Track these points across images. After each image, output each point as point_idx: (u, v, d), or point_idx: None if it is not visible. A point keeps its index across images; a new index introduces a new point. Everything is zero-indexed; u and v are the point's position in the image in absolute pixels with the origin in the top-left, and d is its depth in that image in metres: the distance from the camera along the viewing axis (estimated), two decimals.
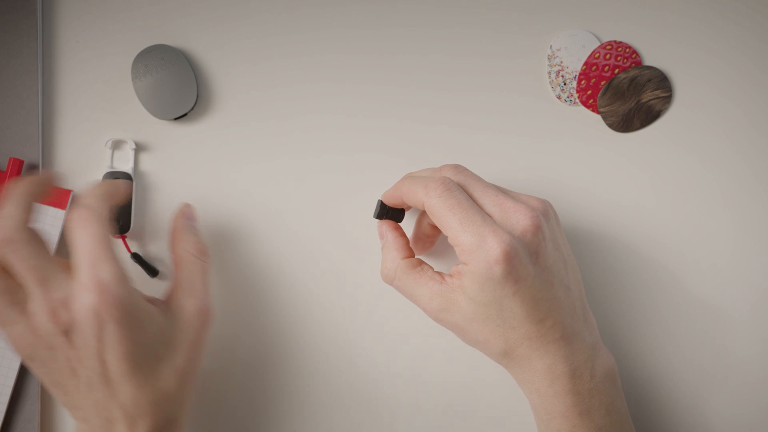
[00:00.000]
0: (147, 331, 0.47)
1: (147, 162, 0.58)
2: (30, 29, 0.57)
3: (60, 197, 0.56)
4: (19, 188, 0.47)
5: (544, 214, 0.49)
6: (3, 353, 0.56)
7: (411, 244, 0.54)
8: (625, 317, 0.58)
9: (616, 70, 0.58)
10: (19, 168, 0.56)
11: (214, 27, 0.59)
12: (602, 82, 0.58)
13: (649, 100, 0.58)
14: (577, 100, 0.58)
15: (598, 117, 0.59)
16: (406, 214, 0.55)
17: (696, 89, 0.59)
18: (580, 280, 0.51)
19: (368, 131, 0.58)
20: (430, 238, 0.54)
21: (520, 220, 0.47)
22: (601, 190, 0.58)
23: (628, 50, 0.58)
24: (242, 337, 0.57)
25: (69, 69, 0.58)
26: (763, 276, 0.58)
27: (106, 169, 0.57)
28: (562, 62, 0.58)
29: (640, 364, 0.58)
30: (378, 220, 0.54)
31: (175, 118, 0.58)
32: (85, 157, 0.58)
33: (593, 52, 0.58)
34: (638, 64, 0.58)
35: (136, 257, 0.57)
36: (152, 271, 0.57)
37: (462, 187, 0.49)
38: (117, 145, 0.58)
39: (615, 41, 0.58)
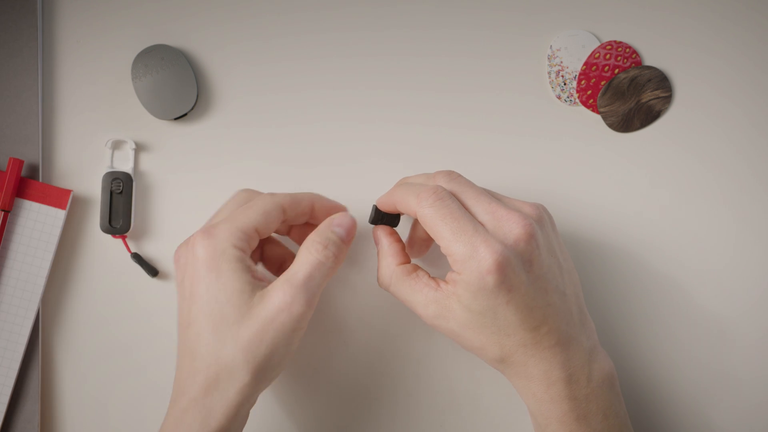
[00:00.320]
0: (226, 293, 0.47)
1: (147, 162, 0.58)
2: (30, 29, 0.57)
3: (60, 197, 0.56)
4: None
5: (538, 220, 0.48)
6: (3, 353, 0.56)
7: (407, 249, 0.54)
8: (625, 318, 0.58)
9: (616, 70, 0.58)
10: (19, 168, 0.56)
11: (215, 27, 0.58)
12: (602, 82, 0.58)
13: (649, 100, 0.58)
14: (577, 100, 0.58)
15: (598, 117, 0.59)
16: (402, 218, 0.55)
17: (696, 89, 0.59)
18: (578, 284, 0.51)
19: (368, 131, 0.58)
20: (425, 243, 0.54)
21: (512, 228, 0.47)
22: (601, 190, 0.58)
23: (628, 50, 0.58)
24: None
25: (69, 69, 0.58)
26: (764, 276, 0.58)
27: (106, 169, 0.57)
28: (562, 62, 0.58)
29: (641, 365, 0.58)
30: (373, 226, 0.53)
31: (175, 118, 0.58)
32: (85, 157, 0.58)
33: (593, 52, 0.58)
34: (638, 64, 0.58)
35: (136, 257, 0.57)
36: (152, 271, 0.57)
37: (455, 195, 0.48)
38: (117, 145, 0.58)
39: (615, 41, 0.58)
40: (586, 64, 0.58)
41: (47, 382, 0.57)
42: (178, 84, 0.57)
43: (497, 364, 0.49)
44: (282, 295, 0.47)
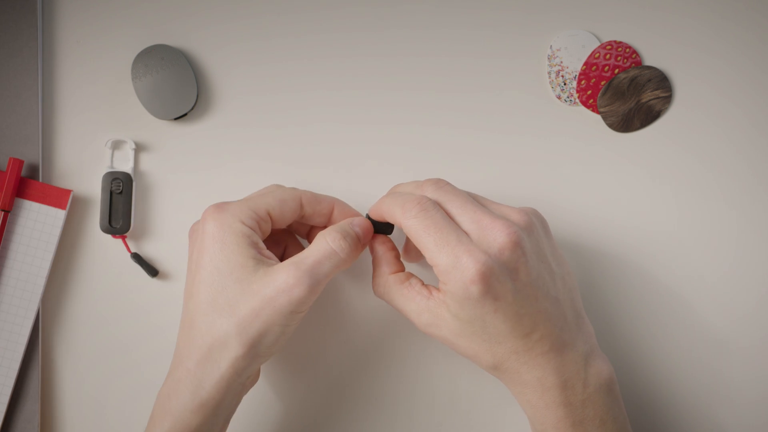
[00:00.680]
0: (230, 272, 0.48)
1: (147, 162, 0.58)
2: (30, 29, 0.57)
3: (60, 197, 0.56)
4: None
5: (526, 227, 0.48)
6: (3, 353, 0.56)
7: (403, 254, 0.54)
8: (625, 320, 0.58)
9: (616, 70, 0.58)
10: (19, 168, 0.56)
11: (215, 27, 0.58)
12: (602, 82, 0.58)
13: (649, 100, 0.58)
14: (577, 100, 0.58)
15: (598, 117, 0.59)
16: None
17: (696, 89, 0.59)
18: (574, 288, 0.51)
19: (368, 131, 0.58)
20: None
21: (497, 237, 0.46)
22: (601, 190, 0.58)
23: (628, 50, 0.58)
24: None
25: (69, 69, 0.58)
26: (766, 277, 0.58)
27: (106, 169, 0.57)
28: (562, 62, 0.58)
29: (640, 368, 0.57)
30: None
31: (175, 118, 0.58)
32: (85, 157, 0.58)
33: (593, 52, 0.58)
34: (638, 64, 0.58)
35: (136, 257, 0.57)
36: (152, 271, 0.57)
37: (440, 204, 0.48)
38: (117, 145, 0.58)
39: (615, 41, 0.58)
40: (586, 64, 0.58)
41: (47, 382, 0.57)
42: (178, 84, 0.57)
43: (492, 371, 0.49)
44: (285, 276, 0.47)
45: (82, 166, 0.58)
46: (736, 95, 0.58)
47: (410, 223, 0.47)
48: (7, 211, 0.56)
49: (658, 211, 0.58)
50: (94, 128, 0.58)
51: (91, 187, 0.58)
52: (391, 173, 0.58)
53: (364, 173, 0.58)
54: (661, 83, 0.58)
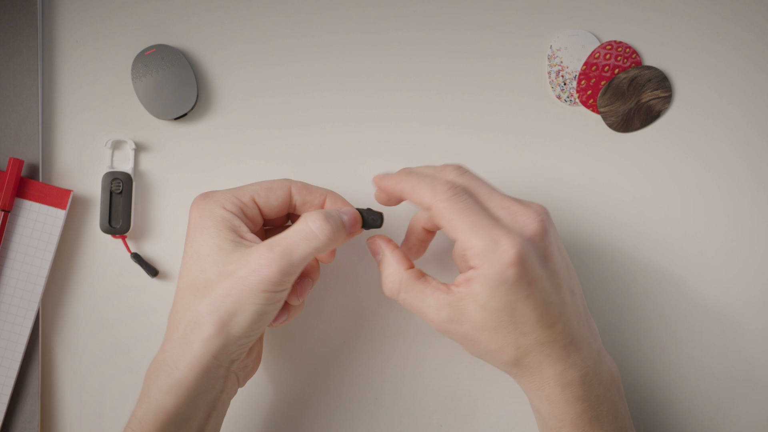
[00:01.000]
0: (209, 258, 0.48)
1: (147, 162, 0.58)
2: (30, 29, 0.57)
3: (60, 197, 0.56)
4: None
5: (549, 217, 0.48)
6: (3, 353, 0.56)
7: (403, 249, 0.53)
8: (626, 319, 0.58)
9: (616, 70, 0.58)
10: (19, 168, 0.56)
11: (215, 27, 0.58)
12: (602, 82, 0.58)
13: (649, 100, 0.58)
14: (577, 100, 0.58)
15: (598, 117, 0.59)
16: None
17: (696, 89, 0.59)
18: (580, 286, 0.51)
19: (369, 132, 0.58)
20: (423, 243, 0.54)
21: (528, 223, 0.47)
22: (601, 190, 0.58)
23: (628, 50, 0.58)
24: None
25: (69, 69, 0.58)
26: (764, 276, 0.58)
27: (106, 169, 0.57)
28: (562, 62, 0.58)
29: (642, 366, 0.58)
30: (368, 238, 0.52)
31: (175, 118, 0.58)
32: (85, 157, 0.58)
33: (593, 52, 0.58)
34: (638, 64, 0.58)
35: (136, 257, 0.57)
36: (152, 271, 0.57)
37: (467, 190, 0.48)
38: (117, 145, 0.58)
39: (615, 41, 0.58)
40: (586, 64, 0.58)
41: (47, 381, 0.57)
42: (178, 84, 0.57)
43: (511, 368, 0.48)
44: (257, 257, 0.46)
45: (82, 166, 0.58)
46: (736, 95, 0.58)
47: (443, 206, 0.46)
48: (7, 211, 0.56)
49: (658, 211, 0.58)
50: (94, 128, 0.58)
51: (91, 187, 0.58)
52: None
53: (365, 173, 0.58)
54: (661, 83, 0.58)
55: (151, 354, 0.57)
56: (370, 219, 0.51)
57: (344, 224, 0.49)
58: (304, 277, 0.51)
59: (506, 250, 0.45)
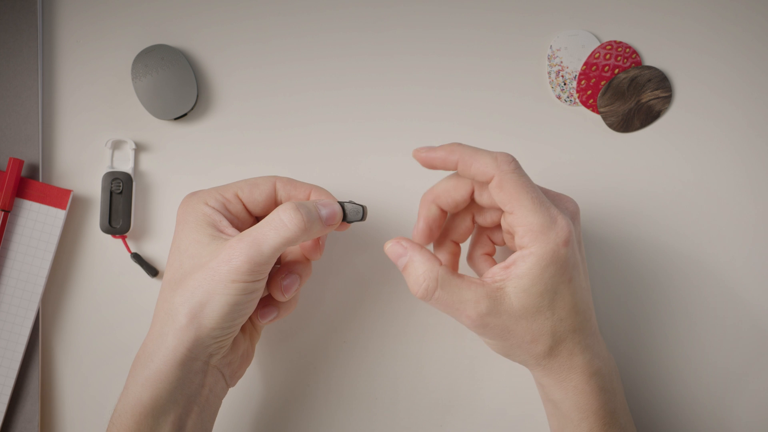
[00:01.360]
0: (189, 253, 0.48)
1: (147, 162, 0.58)
2: (30, 29, 0.57)
3: (60, 197, 0.56)
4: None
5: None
6: (3, 353, 0.56)
7: (436, 246, 0.52)
8: (625, 318, 0.58)
9: (616, 70, 0.58)
10: (19, 168, 0.56)
11: (215, 28, 0.58)
12: (602, 82, 0.58)
13: (649, 100, 0.58)
14: (577, 100, 0.58)
15: (598, 117, 0.59)
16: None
17: (696, 89, 0.59)
18: None
19: (369, 132, 0.58)
20: (439, 224, 0.51)
21: (569, 207, 0.48)
22: (601, 190, 0.58)
23: (628, 50, 0.58)
24: None
25: (69, 69, 0.58)
26: (763, 275, 0.58)
27: (106, 169, 0.57)
28: (562, 62, 0.58)
29: (642, 365, 0.58)
30: (386, 243, 0.49)
31: (175, 118, 0.58)
32: (85, 157, 0.58)
33: (593, 52, 0.58)
34: (638, 64, 0.58)
35: (136, 257, 0.57)
36: (152, 271, 0.57)
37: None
38: (117, 145, 0.58)
39: (615, 41, 0.58)
40: (586, 64, 0.58)
41: (47, 381, 0.57)
42: (178, 84, 0.57)
43: (542, 359, 0.47)
44: (227, 248, 0.46)
45: (82, 166, 0.58)
46: (736, 95, 0.58)
47: (509, 177, 0.46)
48: (7, 211, 0.56)
49: (658, 211, 0.58)
50: (94, 128, 0.58)
51: (91, 187, 0.58)
52: (392, 174, 0.58)
53: (365, 173, 0.58)
54: (661, 83, 0.58)
55: None
56: (352, 212, 0.50)
57: (320, 216, 0.48)
58: (290, 273, 0.51)
59: (562, 229, 0.45)
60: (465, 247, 0.54)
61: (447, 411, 0.57)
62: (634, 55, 0.58)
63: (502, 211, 0.50)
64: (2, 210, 0.55)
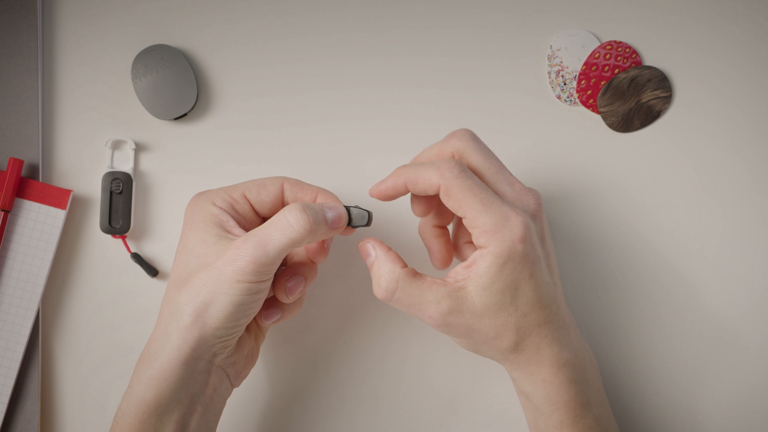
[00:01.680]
0: (195, 253, 0.48)
1: (147, 162, 0.58)
2: (30, 29, 0.57)
3: (60, 197, 0.56)
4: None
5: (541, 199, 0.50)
6: (3, 353, 0.56)
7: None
8: (626, 318, 0.58)
9: (616, 70, 0.58)
10: (19, 168, 0.56)
11: (215, 27, 0.58)
12: (602, 82, 0.58)
13: (649, 100, 0.58)
14: (577, 100, 0.58)
15: (598, 117, 0.59)
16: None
17: (696, 89, 0.59)
18: None
19: (369, 132, 0.58)
20: (445, 242, 0.53)
21: (530, 202, 0.48)
22: (601, 190, 0.58)
23: (628, 50, 0.58)
24: None
25: (69, 69, 0.58)
26: (762, 275, 0.58)
27: (106, 169, 0.57)
28: (562, 62, 0.58)
29: (644, 364, 0.58)
30: (363, 241, 0.50)
31: (175, 118, 0.58)
32: (85, 157, 0.58)
33: (593, 52, 0.58)
34: (638, 64, 0.58)
35: (136, 257, 0.57)
36: (152, 271, 0.57)
37: (473, 157, 0.48)
38: (117, 145, 0.58)
39: (615, 41, 0.58)
40: (586, 64, 0.58)
41: (47, 381, 0.57)
42: (178, 84, 0.57)
43: (509, 354, 0.48)
44: (233, 248, 0.46)
45: (82, 166, 0.58)
46: (736, 95, 0.58)
47: (452, 183, 0.46)
48: (7, 211, 0.56)
49: (658, 211, 0.58)
50: (94, 128, 0.58)
51: (91, 187, 0.58)
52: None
53: (365, 173, 0.58)
54: (661, 83, 0.58)
55: None
56: (357, 216, 0.50)
57: (326, 219, 0.48)
58: (294, 275, 0.51)
59: (516, 226, 0.46)
60: None
61: (447, 411, 0.57)
62: (634, 55, 0.58)
63: None
64: (2, 210, 0.55)
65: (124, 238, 0.57)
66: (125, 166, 0.58)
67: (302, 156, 0.58)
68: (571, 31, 0.58)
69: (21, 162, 0.56)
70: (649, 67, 0.58)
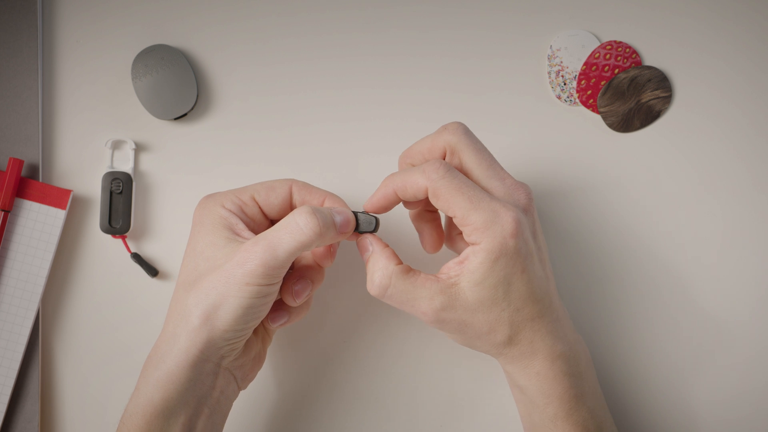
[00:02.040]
0: (204, 255, 0.48)
1: (147, 162, 0.58)
2: (30, 29, 0.57)
3: (60, 197, 0.56)
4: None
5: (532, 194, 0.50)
6: (3, 353, 0.56)
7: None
8: (625, 318, 0.58)
9: (616, 70, 0.58)
10: (19, 168, 0.56)
11: (215, 27, 0.58)
12: (602, 82, 0.58)
13: (649, 100, 0.58)
14: (577, 100, 0.58)
15: (598, 117, 0.59)
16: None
17: (696, 89, 0.59)
18: None
19: (368, 132, 0.58)
20: (437, 232, 0.53)
21: (521, 197, 0.48)
22: (601, 190, 0.58)
23: (628, 50, 0.58)
24: None
25: (69, 69, 0.58)
26: (760, 274, 0.58)
27: (106, 169, 0.57)
28: (562, 62, 0.58)
29: (642, 364, 0.58)
30: (362, 235, 0.50)
31: (175, 118, 0.58)
32: (85, 157, 0.58)
33: (593, 52, 0.58)
34: (638, 64, 0.58)
35: (136, 257, 0.57)
36: (152, 271, 0.57)
37: (465, 153, 0.48)
38: (117, 145, 0.58)
39: (615, 41, 0.58)
40: (586, 64, 0.58)
41: (47, 381, 0.57)
42: (178, 84, 0.57)
43: (503, 348, 0.48)
44: (243, 250, 0.46)
45: (82, 166, 0.58)
46: (736, 95, 0.58)
47: (439, 184, 0.47)
48: (7, 211, 0.56)
49: (658, 211, 0.58)
50: (94, 128, 0.58)
51: (91, 187, 0.58)
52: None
53: (365, 173, 0.58)
54: (661, 83, 0.58)
55: None
56: (365, 222, 0.50)
57: (334, 223, 0.48)
58: (301, 279, 0.51)
59: (507, 222, 0.46)
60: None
61: (447, 411, 0.57)
62: (634, 55, 0.58)
63: None
64: (2, 210, 0.55)
65: (124, 238, 0.57)
66: (125, 166, 0.58)
67: (302, 156, 0.58)
68: (571, 31, 0.58)
69: (21, 162, 0.56)
70: (649, 67, 0.58)
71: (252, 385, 0.55)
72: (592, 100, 0.58)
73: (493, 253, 0.46)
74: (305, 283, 0.51)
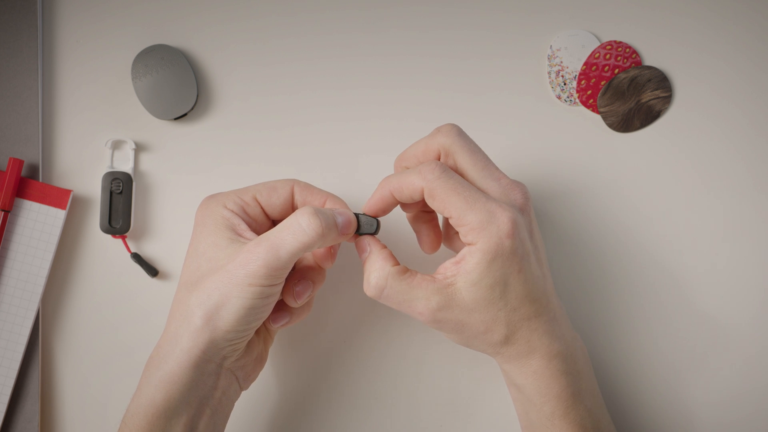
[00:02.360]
0: (206, 256, 0.48)
1: (147, 162, 0.58)
2: (30, 29, 0.57)
3: (60, 197, 0.56)
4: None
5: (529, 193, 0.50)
6: (3, 353, 0.56)
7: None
8: (625, 318, 0.58)
9: (616, 70, 0.58)
10: (19, 168, 0.56)
11: (215, 27, 0.58)
12: (602, 82, 0.58)
13: (649, 100, 0.58)
14: (577, 100, 0.58)
15: (598, 117, 0.59)
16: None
17: (696, 89, 0.59)
18: None
19: (368, 132, 0.58)
20: (434, 231, 0.53)
21: (517, 197, 0.48)
22: (601, 190, 0.58)
23: (628, 50, 0.58)
24: None
25: (69, 69, 0.58)
26: (761, 274, 0.58)
27: (106, 169, 0.57)
28: (562, 62, 0.58)
29: (641, 365, 0.58)
30: (361, 236, 0.50)
31: (175, 118, 0.58)
32: (85, 157, 0.58)
33: (593, 52, 0.58)
34: (638, 64, 0.58)
35: (136, 257, 0.57)
36: (152, 271, 0.57)
37: (459, 154, 0.48)
38: (117, 145, 0.58)
39: (615, 41, 0.58)
40: (586, 64, 0.58)
41: (47, 381, 0.57)
42: (178, 84, 0.57)
43: (500, 347, 0.48)
44: (245, 251, 0.46)
45: (82, 166, 0.58)
46: (736, 95, 0.58)
47: (435, 185, 0.47)
48: (7, 211, 0.56)
49: (658, 211, 0.58)
50: (94, 128, 0.58)
51: (91, 187, 0.58)
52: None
53: (364, 173, 0.58)
54: (661, 83, 0.58)
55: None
56: (366, 224, 0.50)
57: (336, 224, 0.48)
58: (302, 279, 0.51)
59: (503, 222, 0.46)
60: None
61: (447, 411, 0.57)
62: (634, 55, 0.58)
63: None
64: (2, 210, 0.55)
65: (124, 238, 0.57)
66: (125, 166, 0.58)
67: (302, 156, 0.58)
68: (571, 31, 0.58)
69: (21, 162, 0.56)
70: (649, 67, 0.58)
71: (254, 386, 0.55)
72: (592, 100, 0.58)
73: (489, 253, 0.46)
74: (306, 284, 0.51)
